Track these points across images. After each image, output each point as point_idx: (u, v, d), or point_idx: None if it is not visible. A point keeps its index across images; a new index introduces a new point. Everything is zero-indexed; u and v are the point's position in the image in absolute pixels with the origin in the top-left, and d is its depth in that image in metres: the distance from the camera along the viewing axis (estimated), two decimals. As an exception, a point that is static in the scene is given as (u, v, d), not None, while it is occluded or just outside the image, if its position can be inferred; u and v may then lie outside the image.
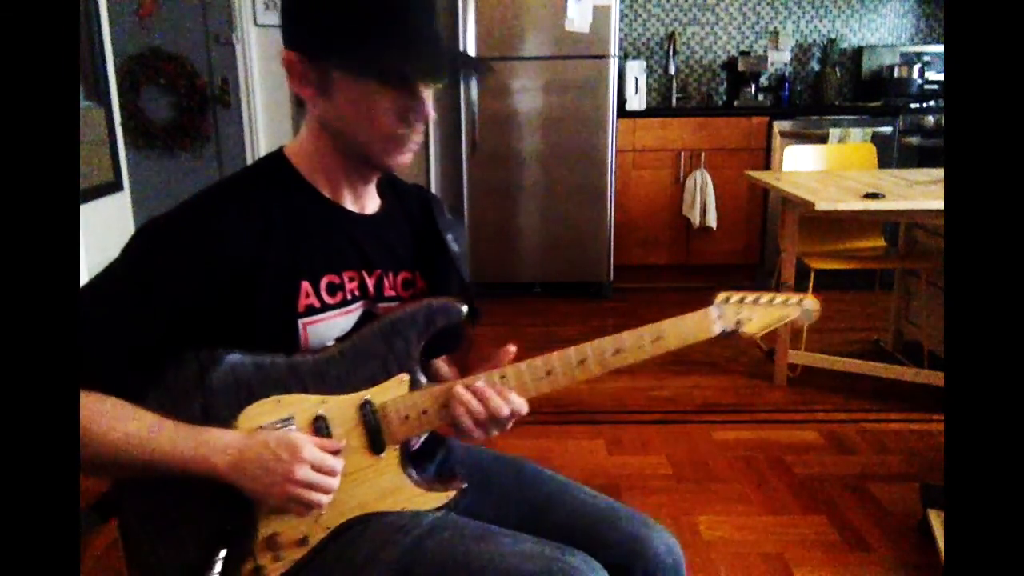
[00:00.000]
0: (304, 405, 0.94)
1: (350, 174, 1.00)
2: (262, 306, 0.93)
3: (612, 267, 4.07)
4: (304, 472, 0.88)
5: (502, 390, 0.97)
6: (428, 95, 0.95)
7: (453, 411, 0.97)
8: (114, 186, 3.43)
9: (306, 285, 0.96)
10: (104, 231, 3.28)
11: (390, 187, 1.08)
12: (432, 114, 0.95)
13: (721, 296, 1.05)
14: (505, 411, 0.96)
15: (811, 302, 1.07)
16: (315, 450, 0.90)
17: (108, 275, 0.93)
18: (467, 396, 0.96)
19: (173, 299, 0.90)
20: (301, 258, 0.96)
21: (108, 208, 3.37)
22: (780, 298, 1.06)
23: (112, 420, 0.88)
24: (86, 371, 0.86)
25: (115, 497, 0.96)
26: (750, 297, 1.05)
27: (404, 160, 0.98)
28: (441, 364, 1.18)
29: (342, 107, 0.93)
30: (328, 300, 0.97)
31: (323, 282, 0.97)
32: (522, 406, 0.98)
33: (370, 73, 0.90)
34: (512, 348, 1.00)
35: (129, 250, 0.93)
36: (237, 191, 0.97)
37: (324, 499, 0.91)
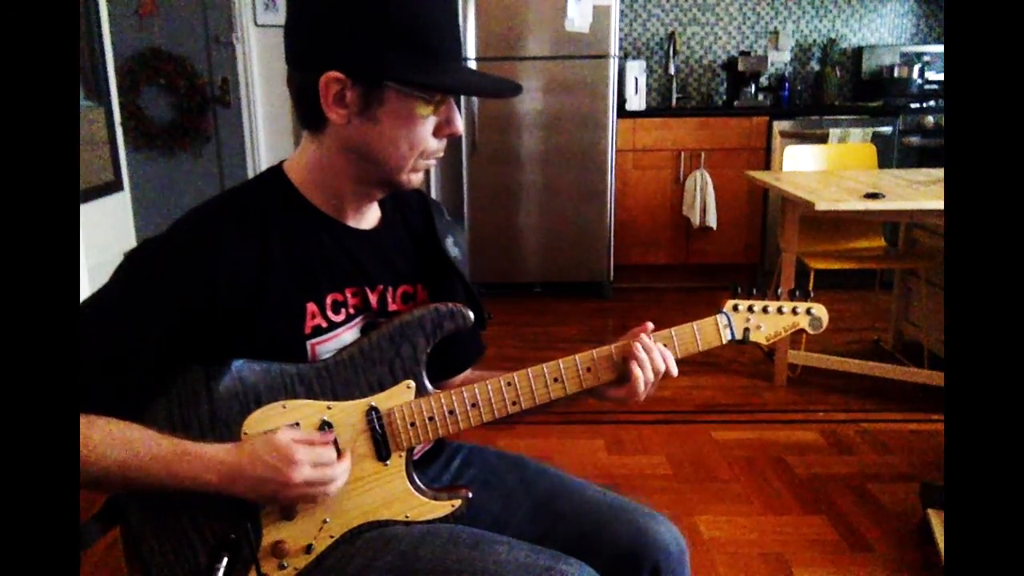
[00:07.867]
0: (310, 410, 0.94)
1: (357, 194, 0.98)
2: (268, 330, 0.92)
3: (612, 267, 4.07)
4: (303, 475, 0.88)
5: (662, 349, 1.00)
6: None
7: (631, 370, 0.98)
8: (114, 186, 3.43)
9: (312, 306, 0.95)
10: (104, 231, 3.28)
11: (390, 196, 1.06)
12: (461, 130, 0.95)
13: (729, 304, 1.04)
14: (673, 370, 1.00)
15: (819, 309, 1.06)
16: (306, 449, 0.89)
17: (97, 300, 0.91)
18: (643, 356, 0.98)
19: (165, 326, 0.88)
20: (304, 279, 0.95)
21: (108, 208, 3.37)
22: (788, 306, 1.06)
23: (104, 447, 0.86)
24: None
25: (119, 504, 0.95)
26: (758, 305, 1.05)
27: (419, 180, 0.98)
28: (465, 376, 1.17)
29: (384, 125, 0.90)
30: (334, 318, 0.97)
31: (328, 301, 0.96)
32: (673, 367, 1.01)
33: (440, 87, 0.89)
34: (650, 324, 1.02)
35: (119, 275, 0.91)
36: (234, 210, 0.94)
37: (331, 489, 0.91)
